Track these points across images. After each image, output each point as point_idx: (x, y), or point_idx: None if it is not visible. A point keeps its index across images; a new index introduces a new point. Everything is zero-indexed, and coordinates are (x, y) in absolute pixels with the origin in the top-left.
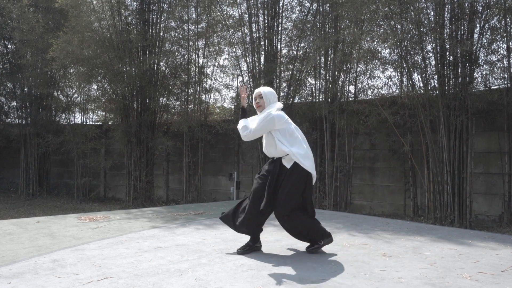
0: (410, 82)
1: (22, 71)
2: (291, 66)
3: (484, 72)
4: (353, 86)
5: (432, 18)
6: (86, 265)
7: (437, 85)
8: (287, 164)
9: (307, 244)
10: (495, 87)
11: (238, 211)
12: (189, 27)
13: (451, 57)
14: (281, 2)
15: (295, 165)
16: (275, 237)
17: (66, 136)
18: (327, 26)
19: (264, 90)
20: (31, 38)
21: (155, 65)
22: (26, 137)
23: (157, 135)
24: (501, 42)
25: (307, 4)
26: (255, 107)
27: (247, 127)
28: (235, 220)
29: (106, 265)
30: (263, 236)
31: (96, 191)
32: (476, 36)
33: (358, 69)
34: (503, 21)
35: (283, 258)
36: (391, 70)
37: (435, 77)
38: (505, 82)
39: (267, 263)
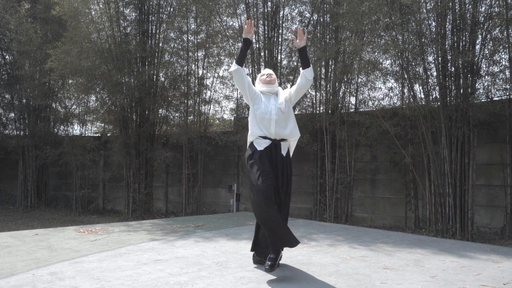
0: (411, 93)
1: (20, 82)
2: (291, 77)
3: (486, 83)
4: (354, 97)
5: (434, 29)
6: (84, 277)
7: (438, 96)
8: (284, 151)
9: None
10: (497, 98)
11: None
12: (189, 37)
13: (453, 68)
14: (281, 13)
15: (288, 152)
16: None
17: (65, 148)
18: (328, 37)
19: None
20: (29, 49)
21: (154, 76)
22: (24, 148)
23: (156, 146)
24: (503, 52)
25: (308, 15)
26: (264, 80)
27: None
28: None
29: (105, 278)
30: None
31: (95, 203)
32: (478, 47)
33: (359, 80)
34: (505, 32)
35: (283, 271)
36: (392, 81)
37: (437, 88)
38: (507, 93)
39: (267, 275)
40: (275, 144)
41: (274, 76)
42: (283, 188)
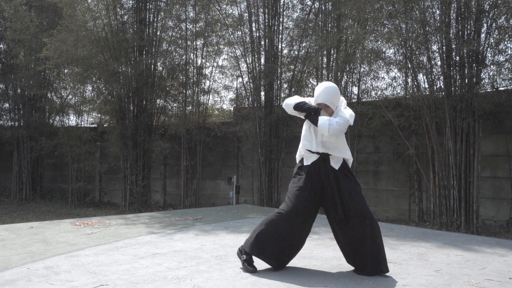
0: (415, 83)
1: (14, 71)
2: (292, 67)
3: (491, 73)
4: (356, 87)
5: (438, 17)
6: (81, 272)
7: (443, 86)
8: (336, 165)
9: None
10: (502, 88)
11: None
12: (187, 26)
13: (457, 57)
14: (282, 1)
15: (344, 166)
16: None
17: (60, 139)
18: (330, 25)
19: (331, 99)
20: (24, 38)
21: (152, 66)
22: (19, 140)
23: (154, 137)
24: (508, 42)
25: (309, 3)
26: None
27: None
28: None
29: (102, 272)
30: None
31: (91, 196)
32: (483, 35)
33: (362, 69)
34: (510, 20)
35: None
36: (396, 70)
37: (441, 78)
38: None
39: (268, 270)
40: (323, 158)
41: (329, 108)
42: (339, 203)
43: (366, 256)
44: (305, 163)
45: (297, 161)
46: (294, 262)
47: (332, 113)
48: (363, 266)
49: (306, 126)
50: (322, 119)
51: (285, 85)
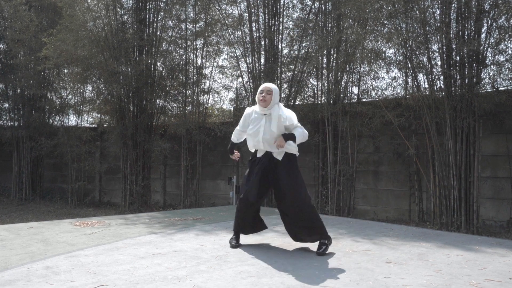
0: (415, 83)
1: (14, 71)
2: (292, 67)
3: (491, 73)
4: (357, 87)
5: (438, 17)
6: (80, 272)
7: (443, 86)
8: (280, 156)
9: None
10: (503, 88)
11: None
12: (187, 26)
13: (458, 57)
14: (282, 1)
15: (286, 155)
16: (276, 243)
17: (60, 139)
18: (330, 25)
19: (274, 87)
20: (24, 38)
21: (152, 66)
22: (19, 140)
23: (154, 137)
24: (509, 41)
25: (309, 3)
26: (258, 99)
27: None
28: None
29: (101, 272)
30: (264, 241)
31: (91, 196)
32: (483, 35)
33: (362, 69)
34: (511, 20)
35: (284, 265)
36: (396, 70)
37: (441, 77)
38: None
39: (268, 270)
40: (268, 153)
41: (270, 95)
42: (285, 187)
43: (303, 230)
44: (258, 155)
45: (252, 151)
46: (294, 263)
47: (270, 101)
48: (301, 236)
49: (254, 138)
50: (300, 134)
51: (285, 85)
